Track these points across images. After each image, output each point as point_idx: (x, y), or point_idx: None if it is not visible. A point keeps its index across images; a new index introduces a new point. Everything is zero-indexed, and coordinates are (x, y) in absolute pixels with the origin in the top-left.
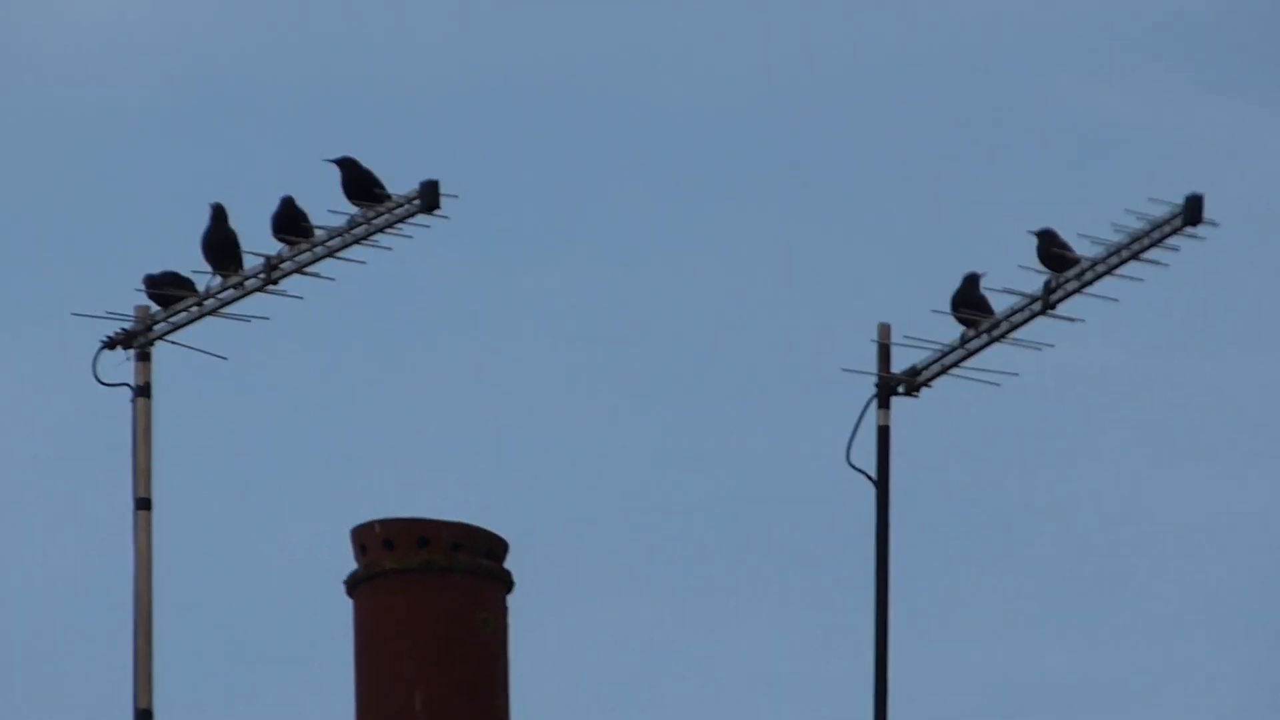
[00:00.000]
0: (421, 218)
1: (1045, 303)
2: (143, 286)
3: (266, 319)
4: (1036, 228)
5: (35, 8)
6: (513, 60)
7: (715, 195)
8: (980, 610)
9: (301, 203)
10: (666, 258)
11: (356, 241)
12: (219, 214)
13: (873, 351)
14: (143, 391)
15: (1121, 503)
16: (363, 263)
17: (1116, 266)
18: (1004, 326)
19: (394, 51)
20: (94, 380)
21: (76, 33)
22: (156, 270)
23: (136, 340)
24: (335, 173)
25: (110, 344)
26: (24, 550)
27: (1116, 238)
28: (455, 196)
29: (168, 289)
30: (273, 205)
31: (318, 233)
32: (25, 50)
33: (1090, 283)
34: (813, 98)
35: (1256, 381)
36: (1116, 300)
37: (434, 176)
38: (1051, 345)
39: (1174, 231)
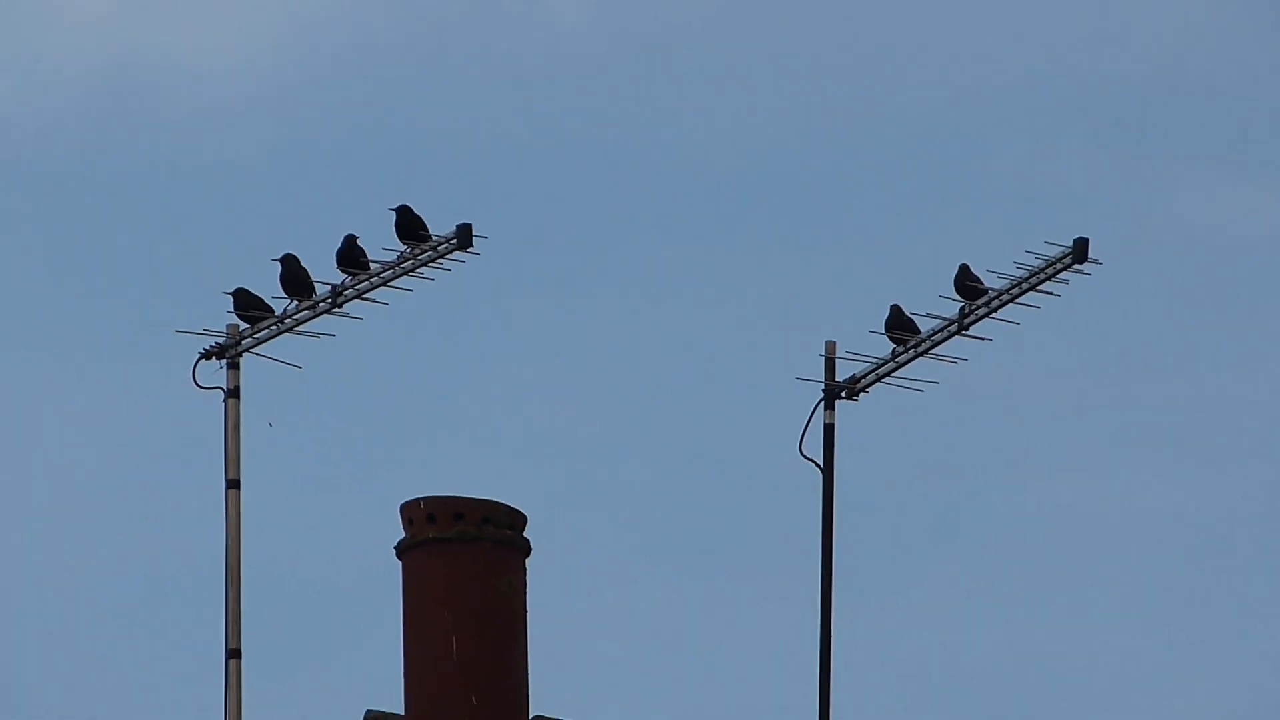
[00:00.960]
0: (457, 254)
1: (960, 325)
2: (233, 309)
3: (333, 335)
4: (957, 263)
5: (156, 72)
6: (519, 135)
7: (697, 239)
8: (910, 575)
9: (361, 242)
10: (658, 290)
11: (405, 274)
12: (291, 259)
13: (821, 364)
14: (232, 394)
15: (1024, 488)
16: (410, 290)
17: (1018, 296)
18: (926, 344)
19: (438, 117)
20: (193, 385)
21: (189, 92)
22: (245, 294)
23: (228, 352)
24: (390, 216)
25: (206, 355)
26: (141, 521)
27: (1018, 272)
28: (484, 238)
29: (253, 310)
30: (338, 243)
31: (374, 266)
32: (141, 111)
33: (997, 309)
34: (783, 156)
35: (1134, 391)
36: (1018, 324)
37: (468, 221)
38: (965, 359)
39: (1065, 268)
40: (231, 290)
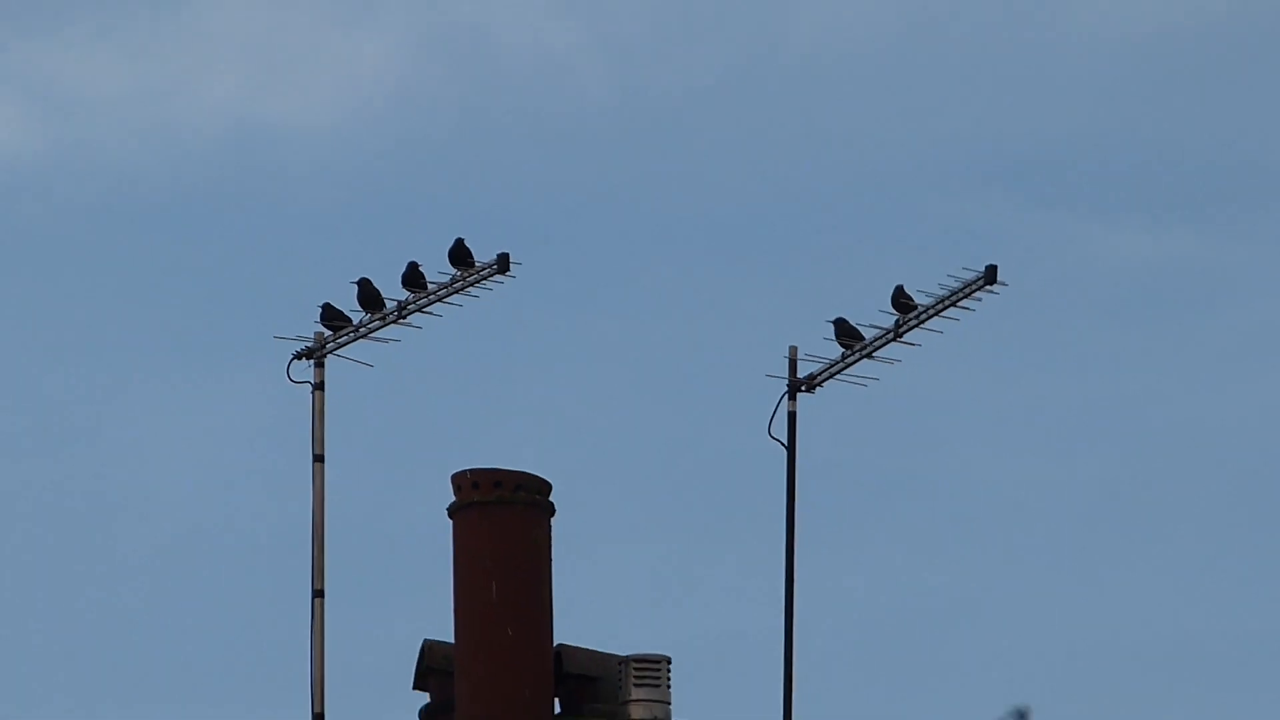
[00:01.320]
0: (497, 277)
1: (896, 334)
2: (320, 319)
3: (398, 341)
4: (894, 284)
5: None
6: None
7: (690, 267)
8: (857, 534)
9: (422, 267)
10: (657, 307)
11: (455, 292)
12: (365, 282)
13: (785, 364)
14: (319, 387)
15: (948, 463)
16: (460, 306)
17: (942, 310)
18: (869, 349)
19: (484, 169)
20: (288, 380)
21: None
22: (330, 308)
23: (315, 354)
24: (447, 245)
25: (298, 356)
26: (246, 490)
27: (942, 291)
28: (520, 264)
29: (336, 321)
30: (402, 267)
31: (431, 286)
32: (256, 166)
33: (924, 321)
34: (758, 202)
35: (1033, 387)
36: (941, 333)
37: (506, 250)
38: (899, 361)
39: (978, 289)
40: (320, 305)
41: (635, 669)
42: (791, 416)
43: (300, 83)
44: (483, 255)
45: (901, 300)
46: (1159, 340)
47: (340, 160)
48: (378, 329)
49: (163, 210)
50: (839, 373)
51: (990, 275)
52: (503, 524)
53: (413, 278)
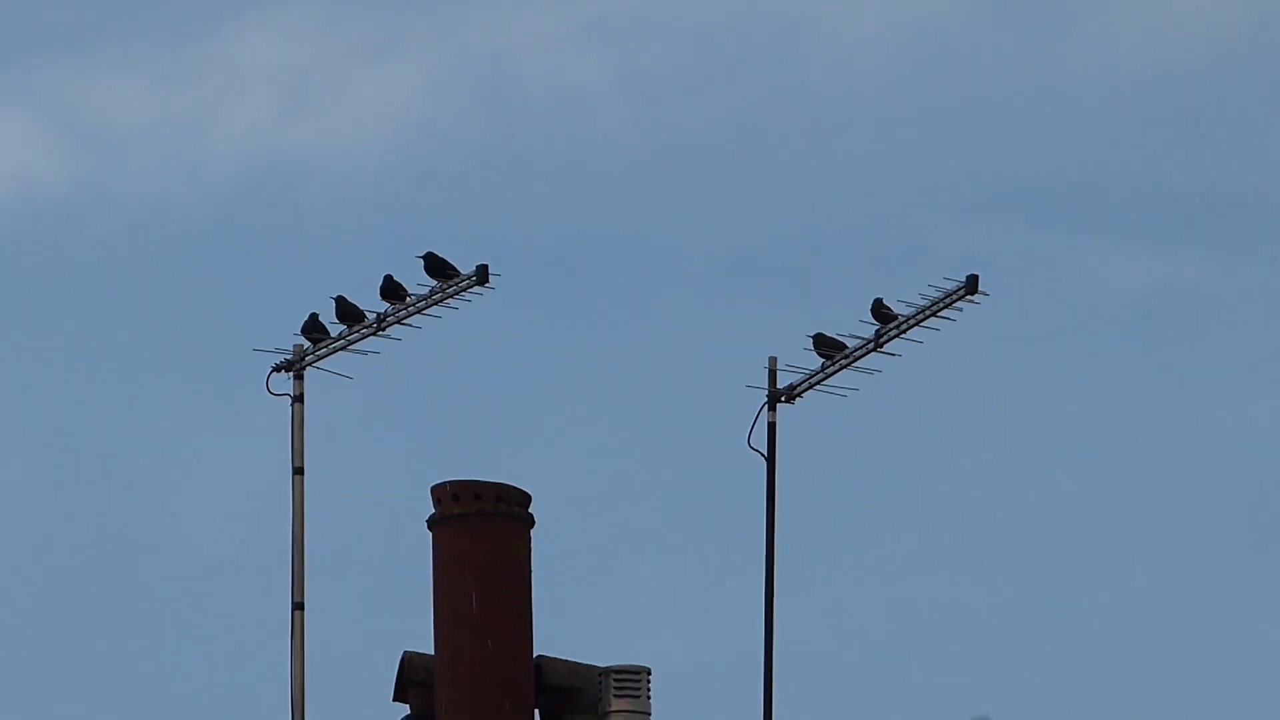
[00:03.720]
0: (476, 289)
1: (875, 344)
2: (299, 332)
3: (377, 353)
4: (873, 296)
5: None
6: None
7: (672, 282)
8: (838, 544)
9: (398, 278)
10: (640, 321)
11: (435, 304)
12: (341, 300)
13: (764, 375)
14: (298, 400)
15: (928, 473)
16: (439, 318)
17: (922, 320)
18: (849, 359)
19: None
20: (267, 392)
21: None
22: (311, 320)
23: (294, 367)
24: (420, 260)
25: (277, 369)
26: (226, 503)
27: (922, 301)
28: (499, 275)
29: (315, 334)
30: (379, 281)
31: (410, 298)
32: (273, 196)
33: (905, 331)
34: (749, 226)
35: (1013, 396)
36: (921, 343)
37: (485, 261)
38: (880, 371)
39: (959, 298)
40: (306, 317)
41: (615, 680)
42: (771, 427)
43: (325, 113)
44: (462, 266)
45: (882, 311)
46: (1144, 358)
47: (364, 190)
48: (357, 341)
49: (189, 239)
50: (819, 383)
51: (971, 285)
52: (483, 536)
53: (391, 290)
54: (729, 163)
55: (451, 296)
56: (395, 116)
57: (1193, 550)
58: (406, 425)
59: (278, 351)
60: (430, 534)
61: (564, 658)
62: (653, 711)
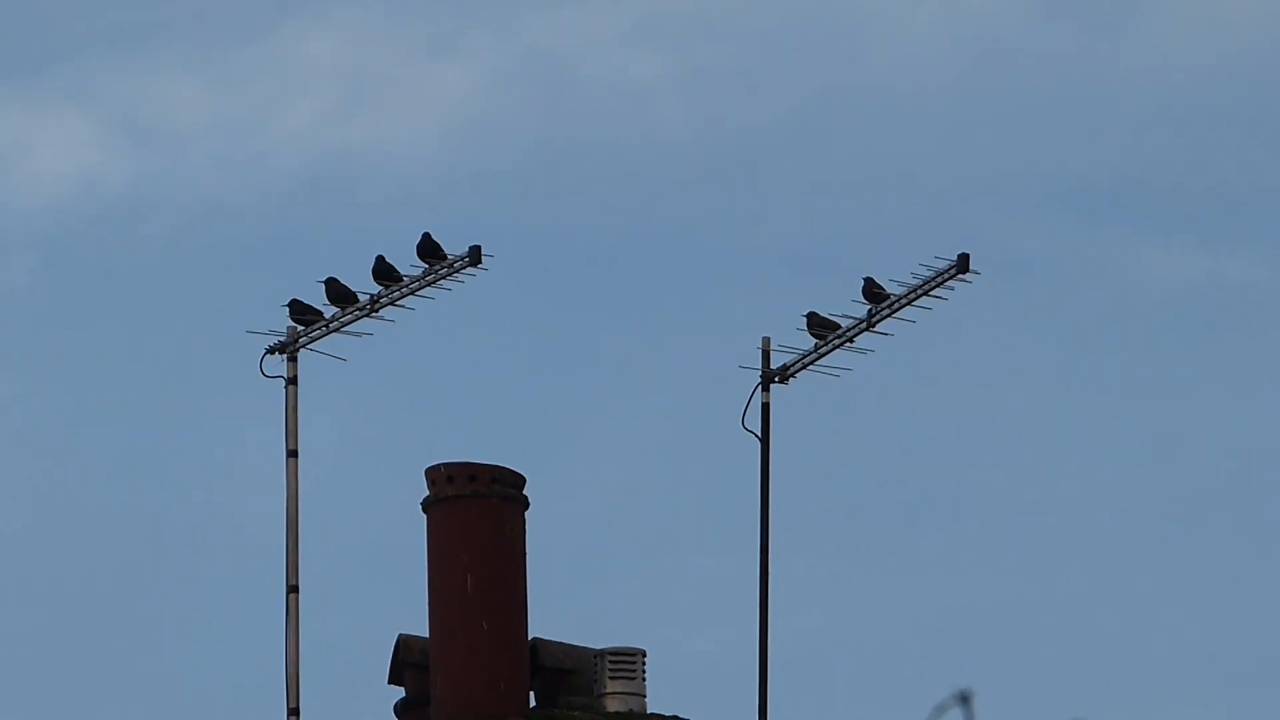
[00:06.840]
0: (470, 270)
1: (868, 324)
2: (290, 313)
3: (371, 335)
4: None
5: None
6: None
7: (665, 265)
8: (830, 522)
9: (390, 259)
10: (634, 302)
11: (427, 285)
12: (333, 281)
13: (758, 355)
14: (291, 382)
15: (921, 452)
16: (432, 299)
17: (914, 300)
18: (841, 339)
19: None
20: (261, 375)
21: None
22: (301, 303)
23: (287, 349)
24: (414, 241)
25: (271, 351)
26: (218, 481)
27: (914, 281)
28: (492, 256)
29: (308, 315)
30: (371, 262)
31: (404, 279)
32: (330, 192)
33: (897, 310)
34: (746, 215)
35: (1004, 374)
36: (914, 321)
37: (478, 243)
38: (872, 350)
39: (951, 277)
40: (299, 304)
41: (610, 662)
42: (765, 408)
43: (383, 112)
44: (453, 249)
45: (874, 290)
46: (1190, 353)
47: (421, 187)
48: (350, 323)
49: (248, 237)
50: (812, 363)
51: (963, 264)
52: (477, 518)
53: (384, 273)
54: (781, 160)
55: (444, 278)
56: (453, 115)
57: (1211, 543)
58: (401, 407)
59: (271, 334)
60: (425, 516)
61: (559, 640)
62: (648, 693)
